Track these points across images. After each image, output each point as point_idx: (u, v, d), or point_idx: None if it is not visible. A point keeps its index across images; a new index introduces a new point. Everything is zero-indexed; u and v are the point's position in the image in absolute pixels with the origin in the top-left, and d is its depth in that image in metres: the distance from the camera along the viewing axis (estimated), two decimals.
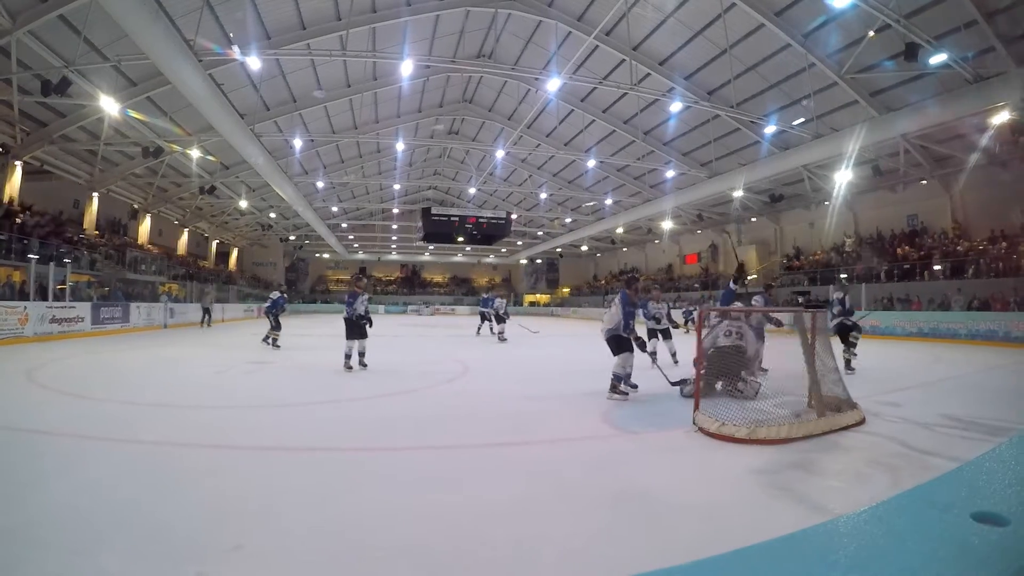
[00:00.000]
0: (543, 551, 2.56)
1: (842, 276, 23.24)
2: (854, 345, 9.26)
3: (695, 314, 11.91)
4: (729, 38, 16.51)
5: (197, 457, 4.00)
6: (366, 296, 9.31)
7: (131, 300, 20.15)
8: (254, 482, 3.49)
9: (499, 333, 16.58)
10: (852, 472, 3.79)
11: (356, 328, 8.87)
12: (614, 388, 6.52)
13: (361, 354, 9.05)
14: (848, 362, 8.97)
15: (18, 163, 18.71)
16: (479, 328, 18.93)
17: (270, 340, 13.20)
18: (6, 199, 18.10)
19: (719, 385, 6.44)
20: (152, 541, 2.58)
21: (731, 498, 3.29)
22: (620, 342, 6.57)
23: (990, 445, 2.48)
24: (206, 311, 21.87)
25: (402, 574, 2.34)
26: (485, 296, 18.87)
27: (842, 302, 9.60)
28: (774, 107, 18.97)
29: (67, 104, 17.22)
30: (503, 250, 52.78)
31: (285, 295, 14.90)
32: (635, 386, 6.66)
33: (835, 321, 9.39)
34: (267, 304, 13.68)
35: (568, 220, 39.47)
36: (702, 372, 5.56)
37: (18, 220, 17.79)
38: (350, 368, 8.75)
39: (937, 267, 19.99)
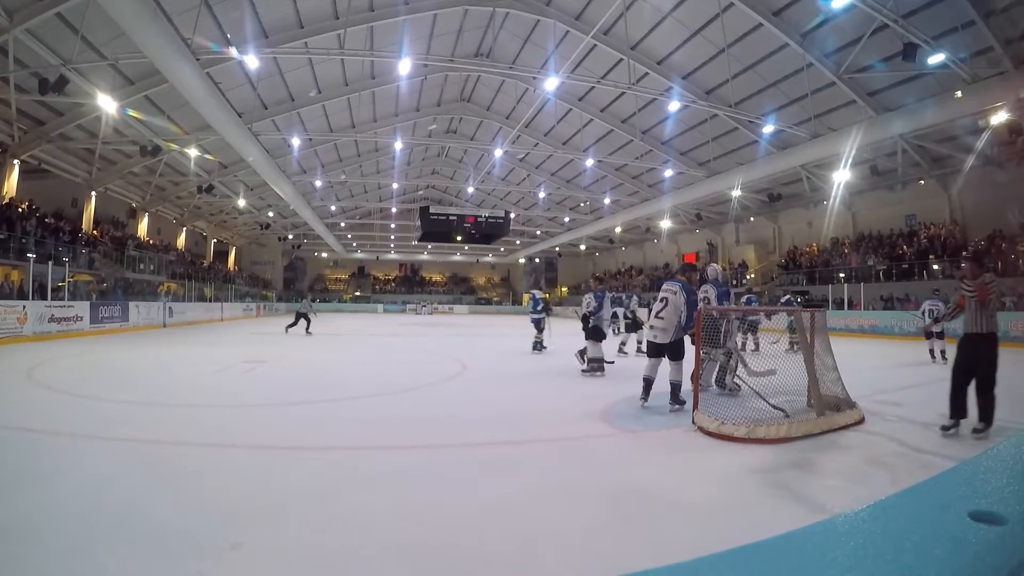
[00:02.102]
0: (542, 549, 2.57)
1: (840, 275, 23.30)
2: None
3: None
4: (727, 38, 16.51)
5: (196, 456, 4.00)
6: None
7: (130, 299, 20.12)
8: (253, 481, 3.49)
9: (638, 343, 12.00)
10: (851, 471, 3.80)
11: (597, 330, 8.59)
12: (675, 398, 5.77)
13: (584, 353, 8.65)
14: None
15: (16, 161, 18.66)
16: (623, 338, 12.58)
17: (538, 344, 12.35)
18: (5, 198, 18.06)
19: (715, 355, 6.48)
20: (151, 539, 2.57)
21: (730, 497, 3.30)
22: (679, 346, 5.84)
23: (988, 444, 2.49)
24: (302, 316, 17.86)
25: (401, 572, 2.34)
26: (616, 294, 13.75)
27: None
28: (772, 107, 18.97)
29: (65, 102, 17.19)
30: (501, 249, 52.74)
31: (542, 292, 13.39)
32: (683, 402, 5.71)
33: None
34: (537, 306, 12.50)
35: (566, 219, 39.50)
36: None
37: (20, 209, 17.78)
38: (598, 371, 8.44)
39: (936, 266, 20.04)
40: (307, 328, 17.59)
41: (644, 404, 5.92)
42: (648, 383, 5.95)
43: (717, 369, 6.55)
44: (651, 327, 6.04)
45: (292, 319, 18.13)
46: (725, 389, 6.41)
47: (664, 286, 6.09)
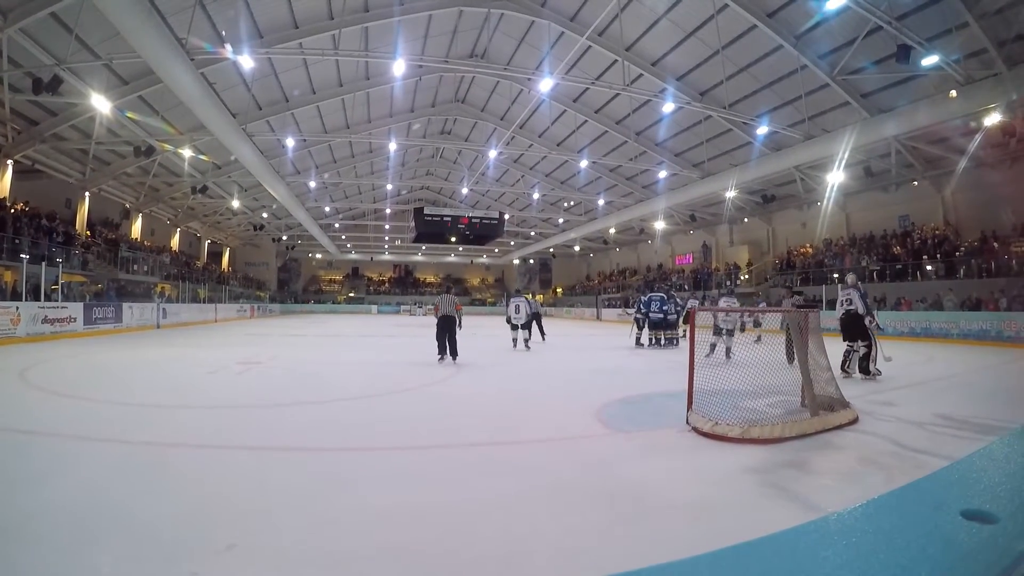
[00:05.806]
0: (535, 550, 2.57)
1: (835, 276, 23.39)
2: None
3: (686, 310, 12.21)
4: (721, 39, 16.55)
5: (189, 457, 3.98)
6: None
7: (124, 300, 20.02)
8: (246, 482, 3.47)
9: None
10: (845, 471, 3.81)
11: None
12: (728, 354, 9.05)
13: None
14: None
15: (9, 162, 18.55)
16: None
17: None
18: None
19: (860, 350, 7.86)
20: (146, 541, 2.56)
21: (724, 497, 3.30)
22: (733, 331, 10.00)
23: (982, 444, 2.51)
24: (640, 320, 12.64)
25: (396, 572, 2.34)
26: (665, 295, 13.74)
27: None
28: (766, 108, 19.05)
29: (58, 102, 17.09)
30: (496, 250, 52.75)
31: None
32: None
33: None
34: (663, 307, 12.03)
35: (561, 220, 39.52)
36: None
37: (13, 210, 17.67)
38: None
39: (929, 267, 20.15)
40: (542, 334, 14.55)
41: (707, 356, 8.34)
42: (713, 347, 9.88)
43: (859, 359, 7.78)
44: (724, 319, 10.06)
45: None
46: (869, 376, 7.65)
47: (724, 300, 11.09)
